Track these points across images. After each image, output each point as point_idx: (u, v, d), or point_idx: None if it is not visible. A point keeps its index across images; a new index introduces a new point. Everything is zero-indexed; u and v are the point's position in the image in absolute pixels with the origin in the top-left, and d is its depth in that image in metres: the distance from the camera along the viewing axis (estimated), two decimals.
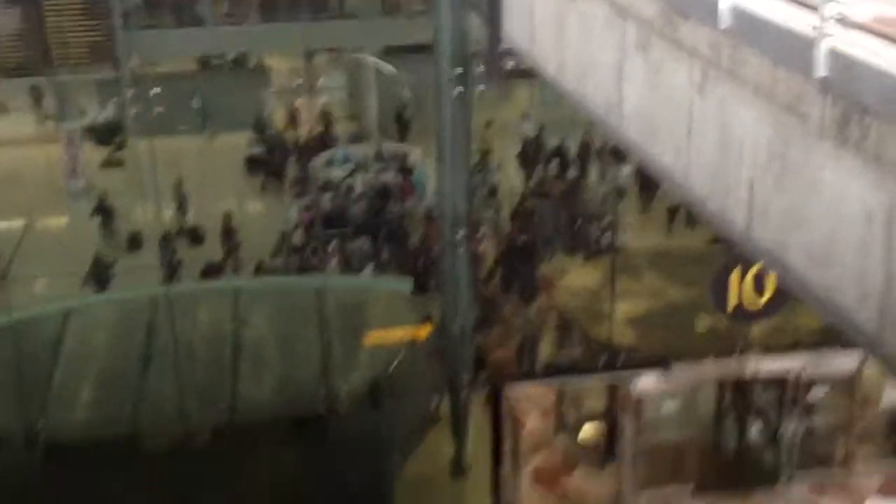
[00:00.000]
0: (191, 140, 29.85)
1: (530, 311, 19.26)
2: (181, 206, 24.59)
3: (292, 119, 30.39)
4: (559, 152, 26.85)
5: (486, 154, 27.60)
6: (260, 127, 29.20)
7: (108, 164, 28.29)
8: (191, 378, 15.10)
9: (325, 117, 29.97)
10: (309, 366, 15.90)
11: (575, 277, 17.53)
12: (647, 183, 23.83)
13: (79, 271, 17.69)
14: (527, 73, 11.49)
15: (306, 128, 29.62)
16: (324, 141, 28.11)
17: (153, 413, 14.80)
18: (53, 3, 23.88)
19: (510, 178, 26.17)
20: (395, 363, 16.04)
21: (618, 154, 23.57)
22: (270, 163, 27.70)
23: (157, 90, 21.87)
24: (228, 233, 22.70)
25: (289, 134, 29.63)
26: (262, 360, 16.17)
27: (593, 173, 26.20)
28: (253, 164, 28.04)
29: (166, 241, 21.58)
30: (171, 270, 19.90)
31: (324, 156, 27.03)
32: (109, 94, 28.45)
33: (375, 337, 16.39)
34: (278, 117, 31.30)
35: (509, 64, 12.09)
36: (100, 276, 20.82)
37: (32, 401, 14.60)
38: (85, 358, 16.30)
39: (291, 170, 27.41)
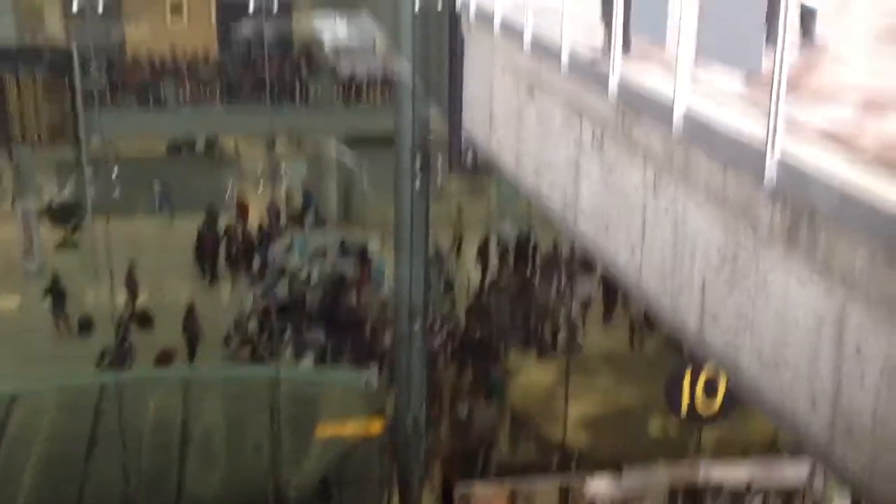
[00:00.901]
0: (149, 222, 29.75)
1: (485, 408, 19.09)
2: (132, 291, 24.29)
3: (241, 210, 30.01)
4: (518, 249, 26.93)
5: (456, 242, 27.56)
6: (211, 216, 28.81)
7: (64, 245, 28.03)
8: (137, 466, 14.76)
9: (273, 209, 29.75)
10: (259, 456, 15.59)
11: (529, 375, 17.44)
12: (609, 291, 23.50)
13: (29, 352, 17.42)
14: (487, 166, 11.57)
15: (257, 217, 29.42)
16: (269, 232, 27.77)
17: (98, 500, 14.39)
18: (15, 81, 23.84)
19: (468, 272, 26.21)
20: (347, 456, 15.79)
21: (584, 263, 23.41)
22: (215, 253, 27.25)
23: (117, 171, 21.74)
24: (190, 322, 22.27)
25: (238, 223, 29.21)
26: (211, 450, 15.84)
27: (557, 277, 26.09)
28: (200, 254, 27.54)
29: (119, 325, 21.25)
30: (122, 356, 19.56)
31: (282, 243, 26.98)
32: (69, 174, 28.34)
33: (327, 429, 16.14)
34: (239, 202, 31.31)
35: (469, 157, 12.14)
36: (122, 356, 20.50)
37: None
38: (29, 442, 15.90)
39: (246, 258, 27.18)
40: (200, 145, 36.45)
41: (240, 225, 29.02)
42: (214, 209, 29.05)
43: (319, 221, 30.73)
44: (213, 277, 26.86)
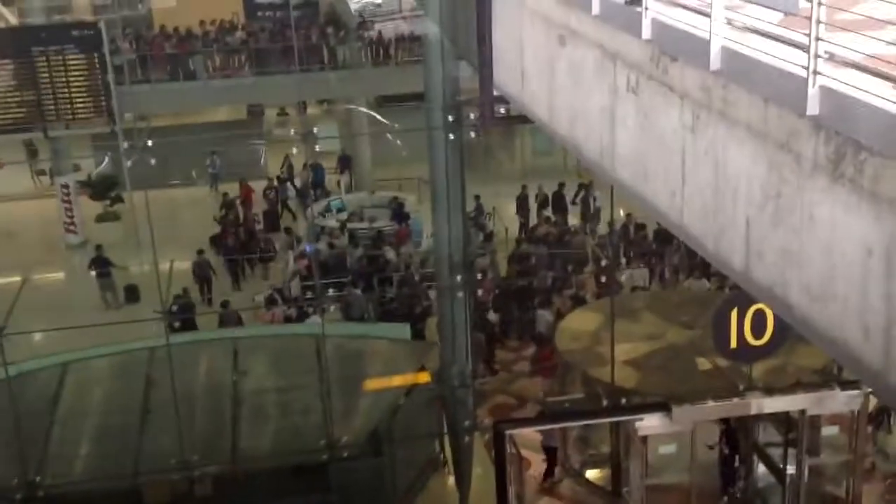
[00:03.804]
0: (188, 192, 29.94)
1: (531, 355, 19.22)
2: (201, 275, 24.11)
3: (245, 196, 28.74)
4: (556, 199, 26.88)
5: None
6: (226, 204, 28.14)
7: (104, 217, 28.32)
8: (191, 429, 15.03)
9: (305, 174, 29.60)
10: (309, 414, 15.82)
11: (574, 320, 17.48)
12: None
13: (77, 324, 17.68)
14: (520, 119, 11.53)
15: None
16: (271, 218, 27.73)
17: (153, 465, 14.71)
18: (46, 59, 24.02)
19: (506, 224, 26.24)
20: (396, 410, 15.98)
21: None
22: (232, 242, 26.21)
23: (150, 143, 21.84)
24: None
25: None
26: (262, 410, 16.10)
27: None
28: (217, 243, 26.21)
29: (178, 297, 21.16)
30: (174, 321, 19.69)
31: (320, 203, 27.12)
32: (104, 148, 28.55)
33: (375, 384, 16.31)
34: (272, 167, 31.38)
35: (501, 110, 12.11)
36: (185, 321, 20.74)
37: (31, 455, 14.52)
38: (83, 411, 16.22)
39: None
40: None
41: (243, 209, 28.12)
42: (228, 201, 28.18)
43: (355, 182, 30.84)
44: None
